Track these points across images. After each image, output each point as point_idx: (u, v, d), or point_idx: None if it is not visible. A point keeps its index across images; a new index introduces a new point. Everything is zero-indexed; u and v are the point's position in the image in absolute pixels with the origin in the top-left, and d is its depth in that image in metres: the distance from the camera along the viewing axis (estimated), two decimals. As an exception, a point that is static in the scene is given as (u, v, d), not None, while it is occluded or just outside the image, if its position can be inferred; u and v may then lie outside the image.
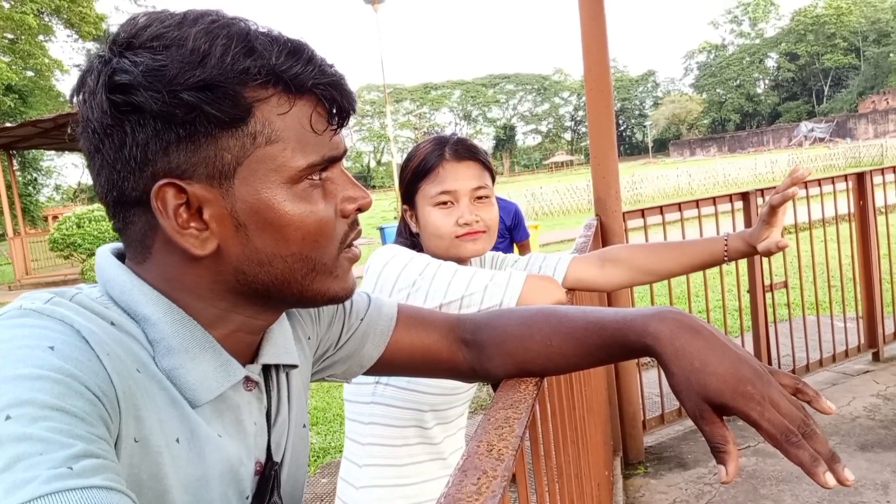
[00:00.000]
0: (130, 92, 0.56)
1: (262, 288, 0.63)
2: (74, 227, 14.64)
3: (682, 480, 3.12)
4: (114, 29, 0.60)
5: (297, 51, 0.60)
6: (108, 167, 0.59)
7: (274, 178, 0.60)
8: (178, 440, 0.58)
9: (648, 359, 4.51)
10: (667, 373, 0.70)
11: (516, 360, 0.86)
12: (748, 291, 3.93)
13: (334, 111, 0.63)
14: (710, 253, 1.38)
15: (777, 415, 0.64)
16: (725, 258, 1.37)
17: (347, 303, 0.87)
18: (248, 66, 0.57)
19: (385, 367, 0.89)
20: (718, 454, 0.64)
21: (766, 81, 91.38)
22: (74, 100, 0.60)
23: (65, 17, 31.11)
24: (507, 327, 0.88)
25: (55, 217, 22.53)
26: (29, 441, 0.44)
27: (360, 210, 0.67)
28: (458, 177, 1.35)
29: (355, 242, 0.68)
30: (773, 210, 1.27)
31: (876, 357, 4.34)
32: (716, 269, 4.29)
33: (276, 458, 0.71)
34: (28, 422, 0.45)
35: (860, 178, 4.26)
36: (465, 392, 1.42)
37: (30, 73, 31.89)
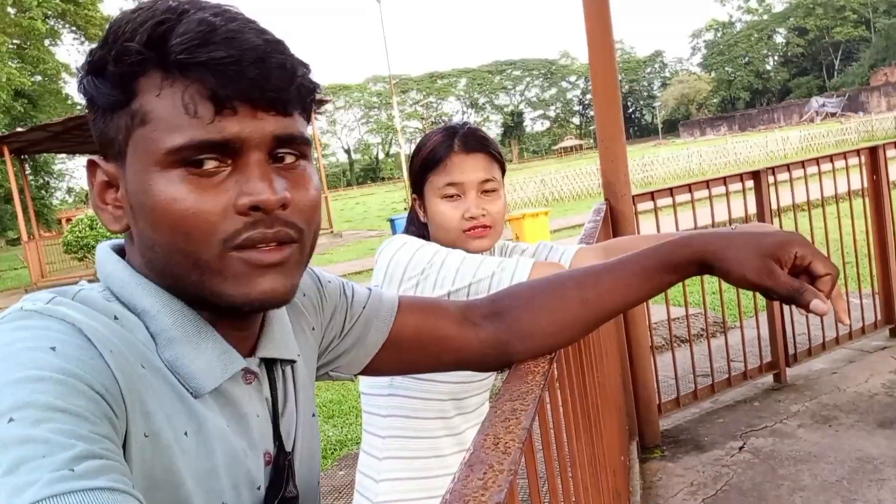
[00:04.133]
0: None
1: (167, 277, 0.61)
2: (87, 228, 14.79)
3: (699, 463, 3.11)
4: None
5: (199, 30, 0.56)
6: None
7: (148, 160, 0.58)
8: (186, 434, 0.59)
9: (662, 341, 4.44)
10: (722, 261, 0.80)
11: (549, 312, 0.87)
12: (762, 271, 3.89)
13: (219, 93, 0.56)
14: None
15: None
16: None
17: (349, 292, 0.87)
18: (128, 47, 0.56)
19: (392, 356, 0.87)
20: (801, 296, 0.75)
21: (776, 58, 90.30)
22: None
23: (70, 20, 31.26)
24: (534, 286, 0.91)
25: (69, 220, 22.72)
26: (32, 443, 0.45)
27: (255, 208, 0.59)
28: (466, 169, 1.35)
29: (264, 246, 0.60)
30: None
31: (893, 333, 4.30)
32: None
33: (287, 449, 0.72)
34: (31, 424, 0.45)
35: (873, 152, 4.20)
36: (482, 380, 1.41)
37: (38, 78, 32.08)
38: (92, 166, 0.63)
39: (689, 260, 0.83)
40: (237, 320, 0.66)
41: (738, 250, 0.78)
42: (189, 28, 0.56)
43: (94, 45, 0.61)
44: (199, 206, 0.57)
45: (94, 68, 0.59)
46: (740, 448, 3.18)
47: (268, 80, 0.57)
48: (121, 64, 0.57)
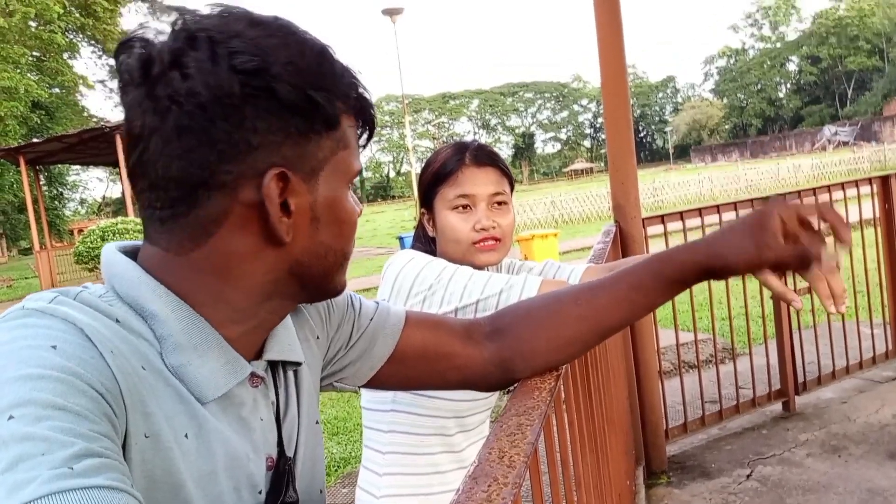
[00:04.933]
0: (267, 77, 0.58)
1: (308, 279, 0.68)
2: (99, 239, 14.89)
3: (705, 490, 3.07)
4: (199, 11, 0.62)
5: (361, 79, 0.68)
6: (208, 147, 0.58)
7: (343, 178, 0.67)
8: (186, 436, 0.59)
9: (671, 366, 4.39)
10: (716, 257, 0.80)
11: (548, 329, 0.87)
12: (772, 297, 3.87)
13: (369, 129, 0.71)
14: None
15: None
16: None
17: (357, 304, 0.88)
18: (348, 83, 0.65)
19: (397, 370, 0.88)
20: (808, 254, 0.75)
21: (788, 85, 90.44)
22: (167, 73, 0.57)
23: (89, 34, 31.72)
24: (533, 303, 0.92)
25: (80, 230, 22.89)
26: (31, 441, 0.45)
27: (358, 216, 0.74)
28: (477, 181, 1.36)
29: None
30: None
31: (905, 363, 4.25)
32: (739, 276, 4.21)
33: (289, 454, 0.72)
34: (31, 421, 0.46)
35: (885, 181, 4.19)
36: (486, 398, 1.41)
37: (56, 90, 32.49)
38: (282, 179, 0.61)
39: (682, 269, 0.83)
40: (288, 312, 0.72)
41: (727, 239, 0.79)
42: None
43: (315, 67, 0.62)
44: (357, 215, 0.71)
45: (324, 86, 0.62)
46: (748, 476, 3.14)
47: None
48: (347, 98, 0.66)
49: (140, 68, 0.58)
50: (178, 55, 0.58)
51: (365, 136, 0.71)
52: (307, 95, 0.61)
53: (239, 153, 0.59)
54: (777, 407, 3.84)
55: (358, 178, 0.75)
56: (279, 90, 0.59)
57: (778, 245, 0.76)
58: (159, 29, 0.60)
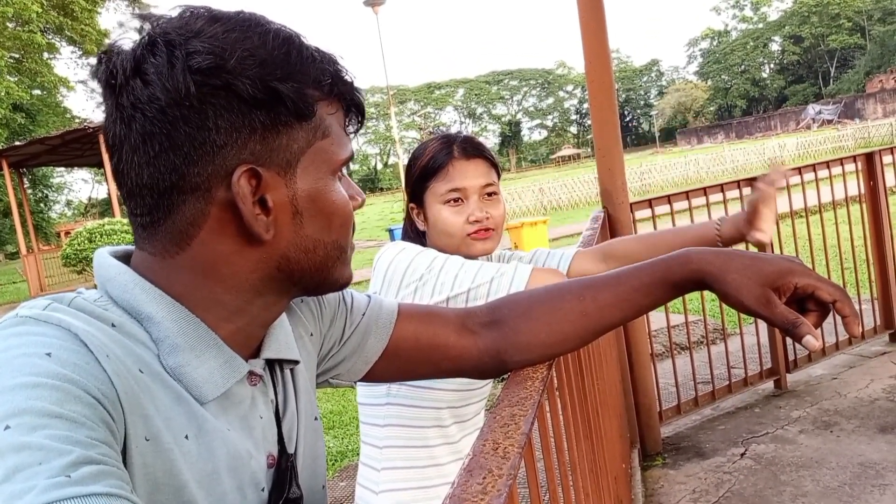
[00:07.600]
0: (224, 75, 0.57)
1: (298, 275, 0.67)
2: (86, 241, 14.80)
3: (700, 470, 3.10)
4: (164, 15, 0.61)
5: (340, 63, 0.67)
6: (173, 151, 0.58)
7: (325, 169, 0.66)
8: (186, 437, 0.59)
9: (662, 348, 4.40)
10: (721, 283, 0.79)
11: (548, 324, 0.87)
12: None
13: (358, 117, 0.70)
14: (702, 237, 1.34)
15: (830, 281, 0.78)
16: (719, 242, 1.34)
17: (349, 299, 0.88)
18: (320, 69, 0.64)
19: (391, 363, 0.88)
20: (795, 330, 0.75)
21: (772, 65, 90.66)
22: (129, 82, 0.58)
23: (67, 34, 31.33)
24: (533, 296, 0.91)
25: (67, 233, 22.75)
26: (28, 450, 0.45)
27: (358, 206, 0.72)
28: (468, 174, 1.37)
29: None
30: (754, 207, 1.28)
31: (893, 338, 4.30)
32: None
33: (290, 451, 0.72)
34: (27, 431, 0.45)
35: (869, 158, 4.22)
36: (480, 388, 1.41)
37: (36, 92, 32.13)
38: (253, 176, 0.61)
39: (688, 278, 0.83)
40: (282, 309, 0.71)
41: (738, 274, 0.78)
42: (341, 62, 0.68)
43: (273, 56, 0.60)
44: (350, 205, 0.70)
45: (288, 77, 0.61)
46: (742, 455, 3.17)
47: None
48: (312, 83, 0.63)
49: (107, 79, 0.59)
50: (139, 63, 0.58)
51: (354, 121, 0.70)
52: (270, 87, 0.59)
53: (205, 154, 0.59)
54: (769, 385, 3.87)
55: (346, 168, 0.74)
56: (238, 86, 0.58)
57: (776, 307, 0.76)
58: (132, 38, 0.60)
